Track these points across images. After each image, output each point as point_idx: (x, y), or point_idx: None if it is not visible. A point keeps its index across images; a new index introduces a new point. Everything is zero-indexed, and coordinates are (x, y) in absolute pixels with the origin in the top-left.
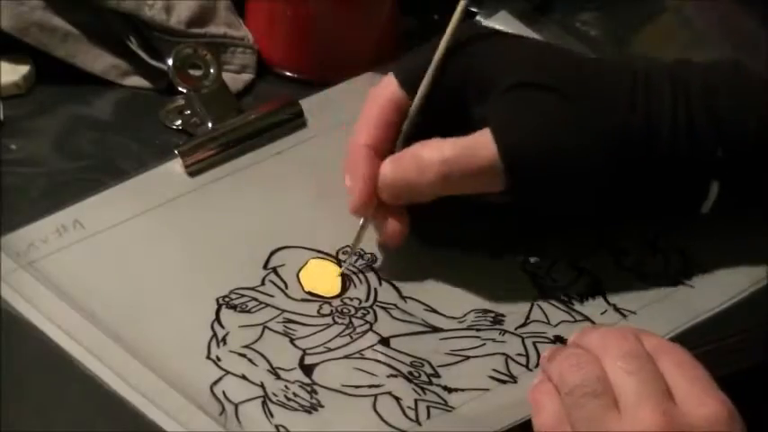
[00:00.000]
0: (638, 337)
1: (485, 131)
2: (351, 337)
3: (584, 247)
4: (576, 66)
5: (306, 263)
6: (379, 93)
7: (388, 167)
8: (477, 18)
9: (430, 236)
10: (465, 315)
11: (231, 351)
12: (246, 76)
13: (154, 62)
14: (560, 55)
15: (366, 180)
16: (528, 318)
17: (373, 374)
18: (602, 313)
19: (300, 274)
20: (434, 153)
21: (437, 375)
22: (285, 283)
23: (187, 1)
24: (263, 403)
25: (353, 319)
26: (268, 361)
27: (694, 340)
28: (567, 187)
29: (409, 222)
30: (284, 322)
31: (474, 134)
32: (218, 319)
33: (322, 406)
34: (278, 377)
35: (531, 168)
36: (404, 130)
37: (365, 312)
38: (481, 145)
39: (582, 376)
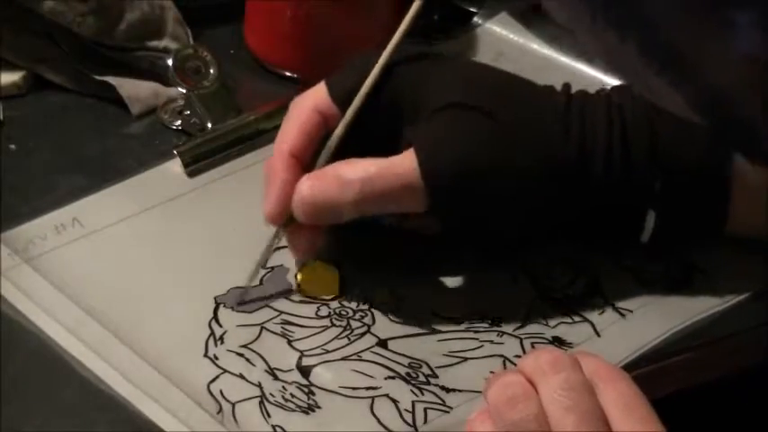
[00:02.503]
0: (575, 363)
1: (409, 151)
2: (348, 339)
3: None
4: (508, 88)
5: (304, 264)
6: (309, 101)
7: (306, 184)
8: (476, 19)
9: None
10: (463, 316)
11: (229, 350)
12: None
13: (98, 77)
14: (493, 77)
15: (282, 190)
16: (526, 319)
17: (371, 377)
18: (600, 313)
19: (299, 275)
20: (357, 171)
21: (435, 376)
22: (283, 283)
23: (129, 14)
24: (261, 403)
25: (351, 321)
26: (266, 361)
27: (693, 340)
28: (487, 209)
29: (321, 239)
30: (282, 323)
31: (398, 155)
32: (215, 317)
33: (319, 407)
34: (275, 378)
35: (450, 188)
36: (329, 147)
37: (363, 314)
38: (403, 164)
39: (520, 414)
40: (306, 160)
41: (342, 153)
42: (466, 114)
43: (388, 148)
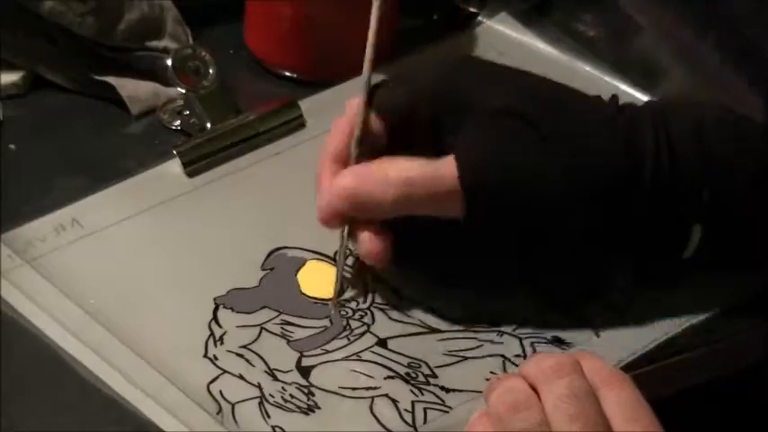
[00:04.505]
0: (577, 367)
1: (450, 157)
2: (348, 339)
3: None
4: (554, 97)
5: (304, 264)
6: (348, 106)
7: (349, 177)
8: (479, 19)
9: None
10: (463, 316)
11: (228, 351)
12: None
13: (97, 77)
14: (539, 85)
15: (329, 193)
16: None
17: (370, 376)
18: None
19: (298, 276)
20: (400, 171)
21: (434, 376)
22: (283, 284)
23: (128, 14)
24: (260, 404)
25: (351, 321)
26: (265, 362)
27: (692, 341)
28: (531, 219)
29: (391, 243)
30: (282, 324)
31: (440, 159)
32: (215, 318)
33: (319, 408)
34: (275, 378)
35: (487, 194)
36: (355, 135)
37: (363, 314)
38: (445, 168)
39: (523, 422)
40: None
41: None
42: (509, 123)
43: (431, 155)
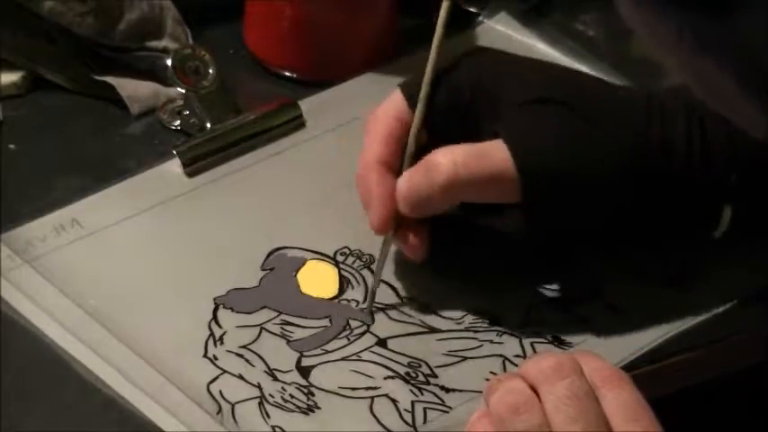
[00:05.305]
0: (577, 368)
1: (497, 141)
2: (348, 339)
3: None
4: (588, 84)
5: (303, 264)
6: (385, 109)
7: (404, 178)
8: (479, 19)
9: (439, 263)
10: (463, 316)
11: (228, 351)
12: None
13: (97, 77)
14: (572, 74)
15: (382, 199)
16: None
17: (370, 376)
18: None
19: (298, 276)
20: (446, 155)
21: (434, 376)
22: (283, 284)
23: (128, 14)
24: (260, 404)
25: (351, 321)
26: (265, 362)
27: (692, 341)
28: (579, 200)
29: (429, 238)
30: (281, 324)
31: (486, 142)
32: (215, 318)
33: (319, 408)
34: (275, 378)
35: (544, 177)
36: (408, 145)
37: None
38: (494, 150)
39: (524, 424)
40: (396, 167)
41: (427, 151)
42: (552, 108)
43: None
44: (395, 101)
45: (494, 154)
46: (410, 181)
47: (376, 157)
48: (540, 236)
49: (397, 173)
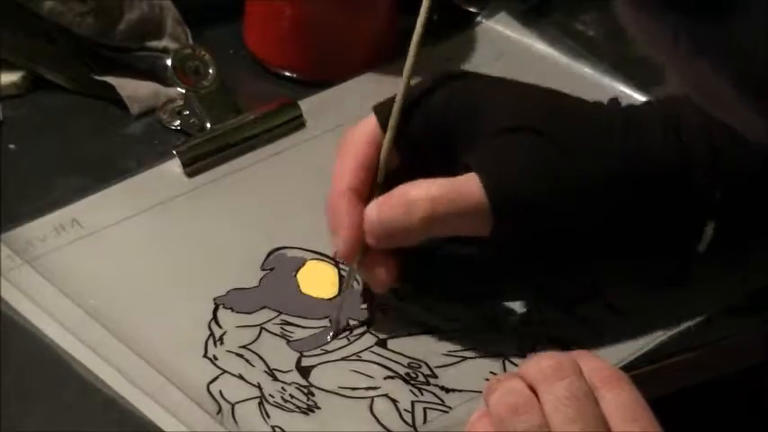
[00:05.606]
0: (576, 368)
1: (472, 174)
2: (348, 339)
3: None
4: (559, 106)
5: (303, 264)
6: (358, 133)
7: (375, 209)
8: (479, 19)
9: (414, 283)
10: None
11: (228, 351)
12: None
13: (97, 77)
14: (543, 96)
15: (350, 227)
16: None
17: (370, 377)
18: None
19: (298, 276)
20: (422, 191)
21: (434, 376)
22: (283, 284)
23: (128, 14)
24: (260, 404)
25: (351, 321)
26: (265, 362)
27: (692, 341)
28: (553, 228)
29: (396, 269)
30: (281, 324)
31: (461, 176)
32: (215, 318)
33: (319, 408)
34: (275, 378)
35: (516, 208)
36: (380, 169)
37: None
38: (468, 185)
39: (523, 424)
40: (366, 194)
41: (400, 180)
42: (521, 137)
43: (444, 175)
44: (369, 125)
45: (468, 188)
46: (381, 213)
47: (346, 184)
48: (516, 259)
49: (366, 200)
